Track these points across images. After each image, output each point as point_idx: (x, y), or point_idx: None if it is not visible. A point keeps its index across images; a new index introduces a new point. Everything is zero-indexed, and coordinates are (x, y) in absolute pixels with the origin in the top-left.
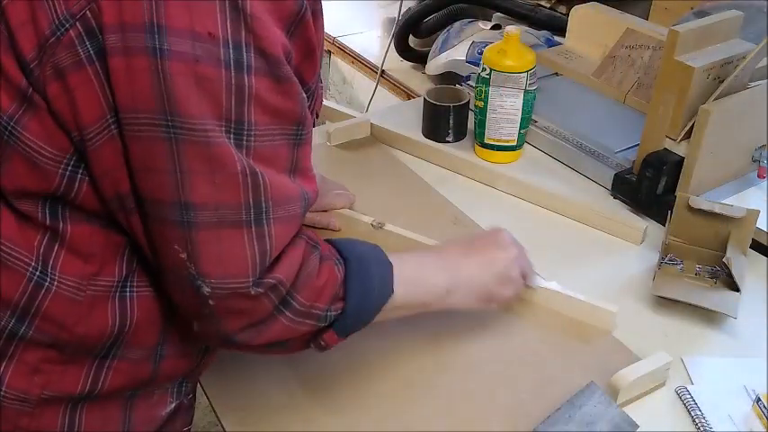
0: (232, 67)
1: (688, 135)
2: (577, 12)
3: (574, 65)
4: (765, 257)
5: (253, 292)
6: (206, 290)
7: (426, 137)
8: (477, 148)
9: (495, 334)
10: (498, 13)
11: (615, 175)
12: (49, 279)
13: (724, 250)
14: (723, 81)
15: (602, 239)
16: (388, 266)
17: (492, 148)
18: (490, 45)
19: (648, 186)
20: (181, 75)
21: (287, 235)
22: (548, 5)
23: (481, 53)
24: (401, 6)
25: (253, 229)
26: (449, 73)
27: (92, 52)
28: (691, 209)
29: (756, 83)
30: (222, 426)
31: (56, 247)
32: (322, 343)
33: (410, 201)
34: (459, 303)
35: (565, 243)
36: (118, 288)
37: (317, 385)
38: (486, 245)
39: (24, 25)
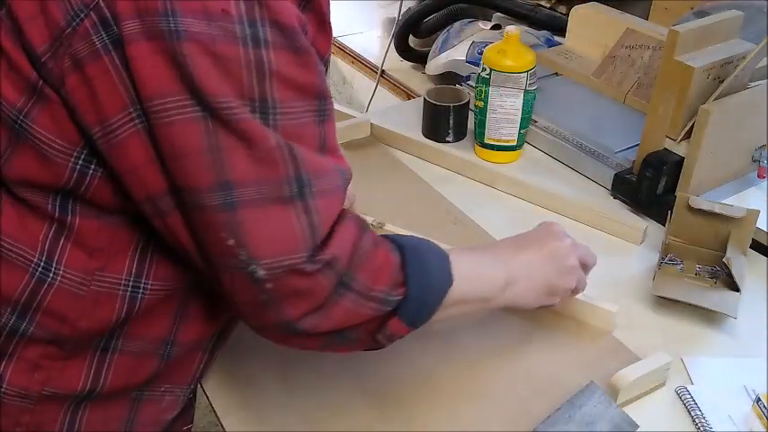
0: (249, 44)
1: (688, 135)
2: (577, 12)
3: (574, 65)
4: (765, 257)
5: (308, 269)
6: (261, 273)
7: (426, 137)
8: (477, 148)
9: (495, 334)
10: (498, 13)
11: (615, 175)
12: (52, 273)
13: (724, 250)
14: (723, 81)
15: (602, 239)
16: (446, 256)
17: (492, 148)
18: (490, 45)
19: (648, 186)
20: (199, 55)
21: (332, 209)
22: (548, 5)
23: (481, 53)
24: (401, 6)
25: (297, 203)
26: (449, 73)
27: (107, 42)
28: (691, 209)
29: (756, 83)
30: (222, 426)
31: (62, 240)
32: (388, 332)
33: (410, 201)
34: (520, 298)
35: None
36: (129, 285)
37: (316, 385)
38: (541, 237)
39: (34, 19)
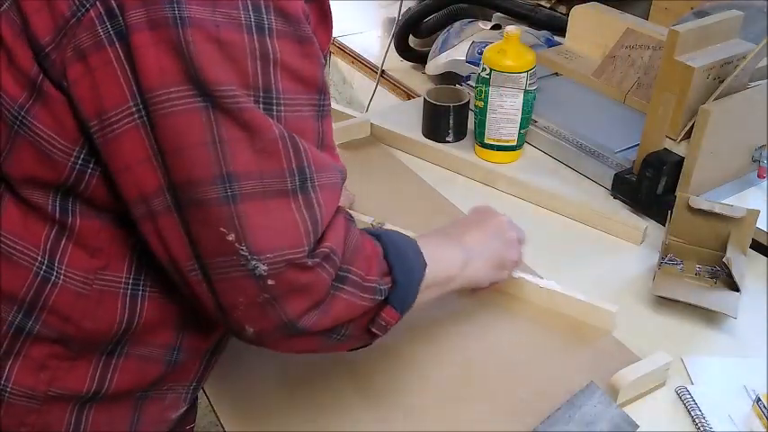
0: (254, 31)
1: (688, 135)
2: (577, 12)
3: (574, 65)
4: (765, 257)
5: (309, 263)
6: (262, 269)
7: (426, 137)
8: (477, 148)
9: (496, 334)
10: (498, 13)
11: (615, 175)
12: (55, 273)
13: (724, 250)
14: (723, 81)
15: (602, 239)
16: (415, 242)
17: (492, 148)
18: (490, 45)
19: (648, 186)
20: (203, 42)
21: (332, 203)
22: (548, 5)
23: (481, 53)
24: (401, 6)
25: (300, 196)
26: (449, 73)
27: (112, 33)
28: (691, 209)
29: (756, 83)
30: (222, 426)
31: (63, 241)
32: (383, 322)
33: (410, 201)
34: (476, 274)
35: (565, 243)
36: (129, 285)
37: (316, 385)
38: (480, 217)
39: (39, 11)
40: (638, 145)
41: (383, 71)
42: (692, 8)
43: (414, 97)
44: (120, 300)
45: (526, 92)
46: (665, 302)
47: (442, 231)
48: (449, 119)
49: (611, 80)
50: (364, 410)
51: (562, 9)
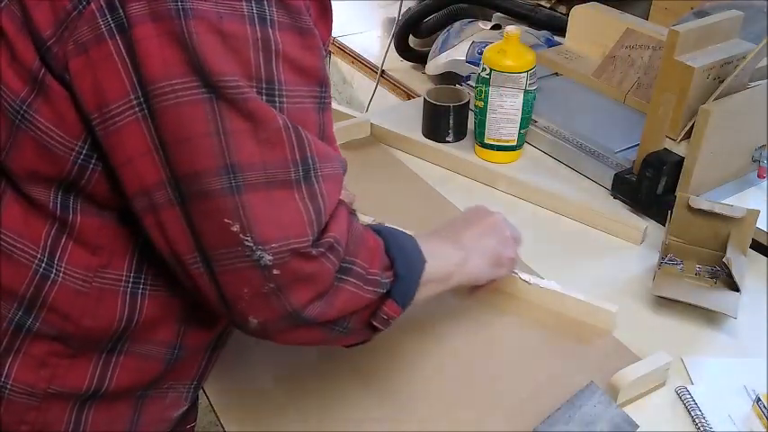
0: (256, 22)
1: (688, 135)
2: (577, 12)
3: (574, 65)
4: (765, 257)
5: (314, 252)
6: (267, 259)
7: (426, 137)
8: (477, 148)
9: (496, 334)
10: (498, 13)
11: (615, 175)
12: (54, 270)
13: (724, 250)
14: (723, 81)
15: (602, 239)
16: (414, 239)
17: (492, 148)
18: (490, 45)
19: (648, 186)
20: (206, 33)
21: (335, 193)
22: (548, 5)
23: (481, 53)
24: (401, 6)
25: (303, 186)
26: (449, 73)
27: (113, 26)
28: (691, 209)
29: (756, 83)
30: (222, 426)
31: (63, 239)
32: (384, 316)
33: (410, 201)
34: (475, 271)
35: (565, 243)
36: (129, 282)
37: (317, 385)
38: (475, 216)
39: (40, 4)
40: (638, 145)
41: (383, 71)
42: (692, 8)
43: (414, 97)
44: (120, 298)
45: (526, 92)
46: (665, 302)
47: (439, 231)
48: (449, 119)
49: (611, 80)
50: (364, 410)
51: (562, 9)
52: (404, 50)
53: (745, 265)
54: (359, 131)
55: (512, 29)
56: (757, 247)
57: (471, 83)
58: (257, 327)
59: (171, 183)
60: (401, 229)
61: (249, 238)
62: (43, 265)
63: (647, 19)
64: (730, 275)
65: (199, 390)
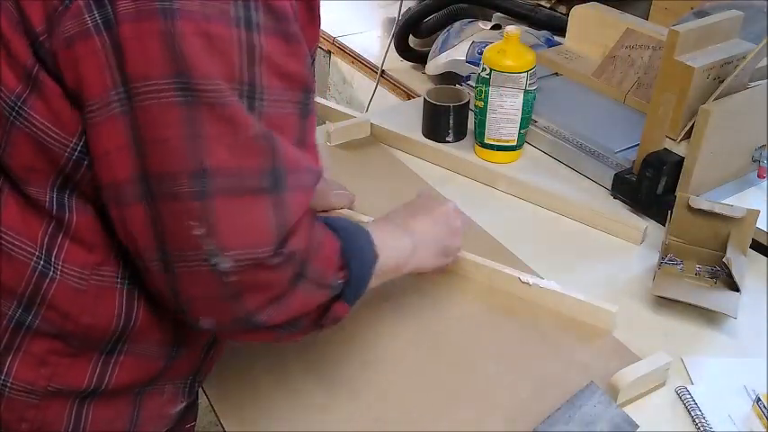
0: (242, 26)
1: (688, 135)
2: (577, 12)
3: (574, 65)
4: (765, 257)
5: (273, 263)
6: (225, 265)
7: (426, 137)
8: (477, 148)
9: (495, 334)
10: (498, 13)
11: (615, 175)
12: (52, 268)
13: (724, 250)
14: (723, 81)
15: (602, 239)
16: (368, 233)
17: (492, 148)
18: (490, 45)
19: (648, 186)
20: (192, 35)
21: (302, 205)
22: (548, 5)
23: (481, 53)
24: (401, 6)
25: (271, 196)
26: (449, 73)
27: (99, 21)
28: (691, 209)
29: (756, 83)
30: (222, 426)
31: (60, 237)
32: (333, 316)
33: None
34: (423, 261)
35: (565, 243)
36: (126, 281)
37: (317, 386)
38: (426, 204)
39: (34, 0)
40: (638, 145)
41: (383, 71)
42: (692, 8)
43: (414, 97)
44: (117, 295)
45: (526, 92)
46: (665, 302)
47: (392, 217)
48: (449, 119)
49: (611, 80)
50: (364, 410)
51: (562, 9)
52: (404, 50)
53: (745, 265)
54: (359, 131)
55: (512, 29)
56: (757, 247)
57: (471, 83)
58: (208, 326)
59: (142, 180)
60: (355, 222)
61: (211, 243)
62: (41, 262)
63: (647, 19)
64: (730, 275)
65: (196, 386)
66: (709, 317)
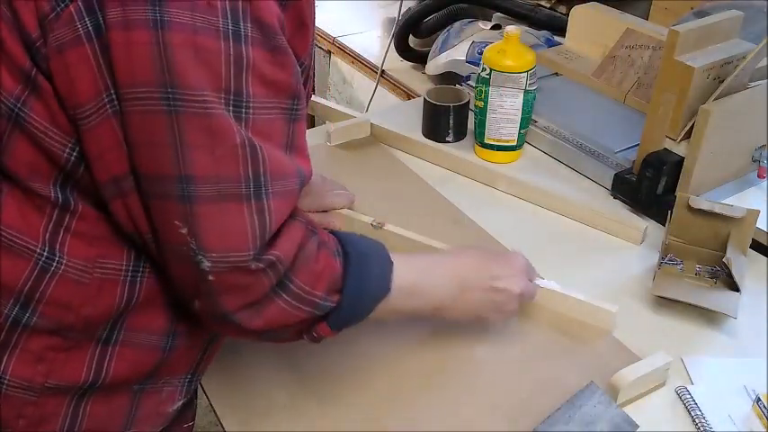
0: (231, 38)
1: (688, 135)
2: (577, 12)
3: (574, 65)
4: (765, 257)
5: (253, 267)
6: (206, 265)
7: (426, 137)
8: (477, 148)
9: (495, 334)
10: (498, 13)
11: (615, 175)
12: (56, 262)
13: (724, 250)
14: (723, 81)
15: (602, 239)
16: (389, 266)
17: (492, 148)
18: (490, 45)
19: (648, 186)
20: (181, 46)
21: (285, 210)
22: (548, 5)
23: (481, 53)
24: (401, 6)
25: (252, 202)
26: (449, 73)
27: (90, 29)
28: (691, 209)
29: (756, 83)
30: (222, 426)
31: (62, 231)
32: (315, 334)
33: (410, 201)
34: (449, 318)
35: (565, 243)
36: (129, 271)
37: (317, 385)
38: (500, 273)
39: (27, 4)
40: (638, 145)
41: (383, 71)
42: (692, 8)
43: (414, 97)
44: (120, 286)
45: (526, 92)
46: (665, 302)
47: (455, 262)
48: (449, 119)
49: (611, 80)
50: (364, 410)
51: (562, 9)
52: (404, 50)
53: (745, 265)
54: (359, 131)
55: (512, 29)
56: (757, 247)
57: (471, 83)
58: (198, 313)
59: (134, 177)
60: (382, 250)
61: (193, 243)
62: (44, 257)
63: (647, 19)
64: (730, 275)
65: (193, 384)
66: (709, 317)
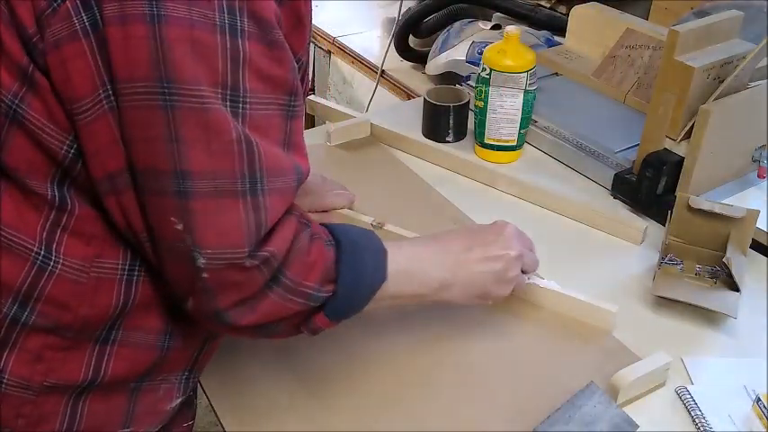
0: (227, 32)
1: (688, 135)
2: (577, 12)
3: (574, 65)
4: (765, 257)
5: (247, 264)
6: (201, 261)
7: (426, 137)
8: (477, 148)
9: (496, 334)
10: (498, 13)
11: (615, 175)
12: (53, 261)
13: (724, 250)
14: (723, 81)
15: (602, 239)
16: (383, 253)
17: (492, 148)
18: (490, 45)
19: (648, 186)
20: (178, 40)
21: (281, 207)
22: (548, 5)
23: (481, 53)
24: (401, 6)
25: (248, 199)
26: (449, 73)
27: (87, 24)
28: (691, 209)
29: (756, 83)
30: (222, 426)
31: (59, 231)
32: (312, 326)
33: (410, 201)
34: (454, 299)
35: (565, 243)
36: (125, 271)
37: (317, 385)
38: (490, 241)
39: (23, 1)
40: (638, 145)
41: (383, 71)
42: (692, 8)
43: (414, 97)
44: (117, 285)
45: (526, 92)
46: (665, 302)
47: (443, 241)
48: (449, 119)
49: (611, 80)
50: (364, 410)
51: (562, 9)
52: (404, 50)
53: (745, 265)
54: (359, 131)
55: (512, 29)
56: (757, 247)
57: (471, 83)
58: (191, 312)
59: (130, 173)
60: (374, 238)
61: (189, 239)
62: (41, 256)
63: (647, 19)
64: (730, 275)
65: (191, 382)
66: (709, 317)
